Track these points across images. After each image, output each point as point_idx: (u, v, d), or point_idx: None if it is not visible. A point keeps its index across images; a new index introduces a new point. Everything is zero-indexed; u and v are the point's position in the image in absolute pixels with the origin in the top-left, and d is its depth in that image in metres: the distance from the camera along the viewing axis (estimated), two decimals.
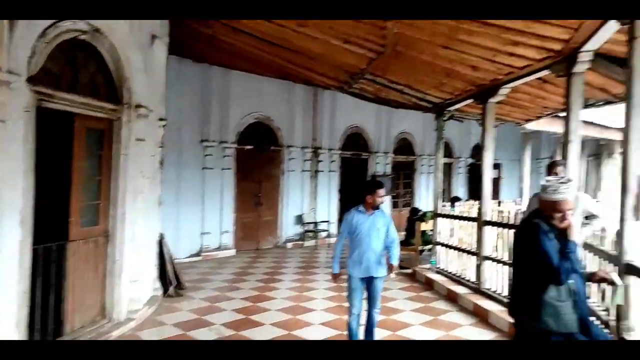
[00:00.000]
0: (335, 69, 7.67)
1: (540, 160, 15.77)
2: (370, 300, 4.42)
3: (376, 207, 4.39)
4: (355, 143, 12.66)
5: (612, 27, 3.54)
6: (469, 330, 5.26)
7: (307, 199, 11.48)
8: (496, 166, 15.26)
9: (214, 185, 9.69)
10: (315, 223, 11.47)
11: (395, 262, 4.42)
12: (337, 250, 4.45)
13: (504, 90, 5.93)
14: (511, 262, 4.30)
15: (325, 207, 11.82)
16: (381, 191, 4.38)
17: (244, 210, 10.28)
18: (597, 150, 15.06)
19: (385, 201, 12.76)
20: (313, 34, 5.87)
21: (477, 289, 6.28)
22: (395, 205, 13.71)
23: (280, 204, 11.00)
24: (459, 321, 5.58)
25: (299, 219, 11.30)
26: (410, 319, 5.63)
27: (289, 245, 11.00)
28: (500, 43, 4.70)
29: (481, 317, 5.66)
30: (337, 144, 12.13)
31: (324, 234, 11.45)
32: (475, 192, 12.90)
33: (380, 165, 13.07)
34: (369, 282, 4.38)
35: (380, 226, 4.38)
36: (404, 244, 8.93)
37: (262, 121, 10.59)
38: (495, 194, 14.40)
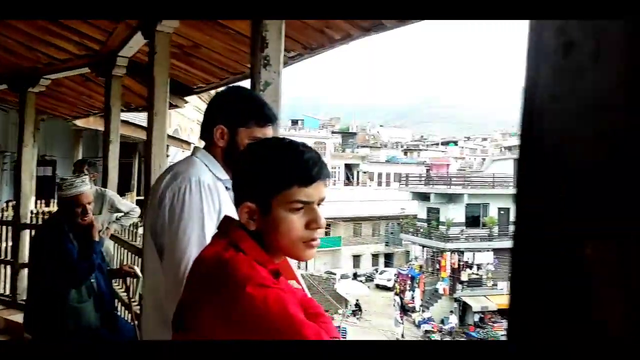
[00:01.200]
0: None
1: (99, 159, 15.70)
2: None
3: None
4: None
5: (140, 40, 3.87)
6: None
7: None
8: (51, 163, 14.07)
9: None
10: None
11: None
12: None
13: (46, 82, 5.48)
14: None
15: None
16: None
17: None
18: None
19: None
20: None
21: (12, 303, 5.53)
22: None
23: None
24: None
25: None
26: None
27: None
28: (37, 29, 4.29)
29: (18, 334, 4.98)
30: None
31: None
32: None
33: None
34: None
35: None
36: None
37: None
38: (49, 193, 13.25)
